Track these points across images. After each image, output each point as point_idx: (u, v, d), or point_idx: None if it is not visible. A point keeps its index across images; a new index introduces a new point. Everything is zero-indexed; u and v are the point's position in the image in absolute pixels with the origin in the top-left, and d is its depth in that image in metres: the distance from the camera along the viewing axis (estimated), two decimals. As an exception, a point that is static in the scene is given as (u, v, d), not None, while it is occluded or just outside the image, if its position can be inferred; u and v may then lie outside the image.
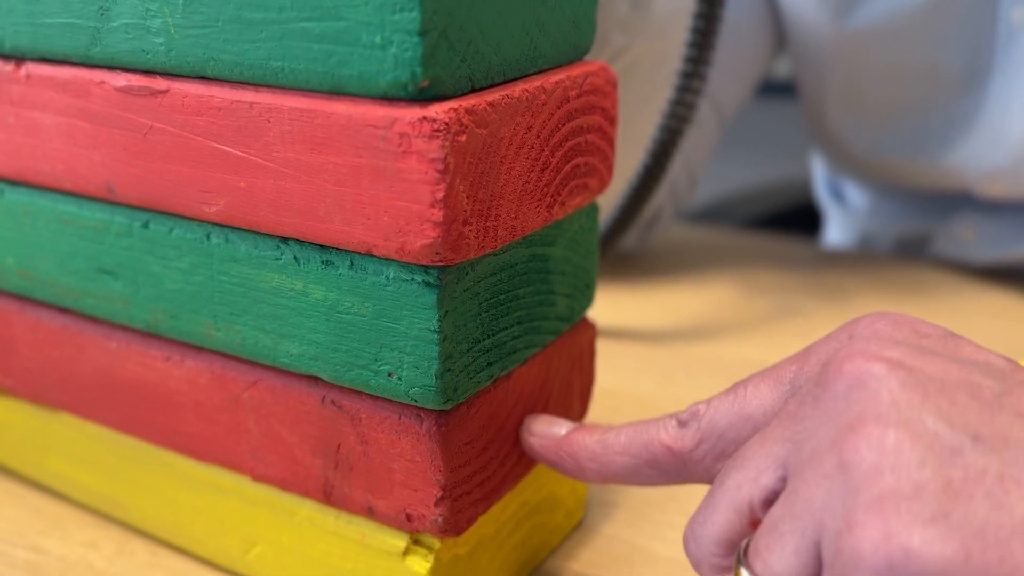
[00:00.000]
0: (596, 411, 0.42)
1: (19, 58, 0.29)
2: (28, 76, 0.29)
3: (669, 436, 0.25)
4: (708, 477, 0.25)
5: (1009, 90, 0.55)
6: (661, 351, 0.49)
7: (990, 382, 0.20)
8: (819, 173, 0.79)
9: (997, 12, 0.54)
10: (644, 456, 0.25)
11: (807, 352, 0.24)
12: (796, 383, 0.23)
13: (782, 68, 0.68)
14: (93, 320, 0.31)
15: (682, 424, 0.25)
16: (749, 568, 0.21)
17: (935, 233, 0.66)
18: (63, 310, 0.32)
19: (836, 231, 0.78)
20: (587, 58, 0.28)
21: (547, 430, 0.28)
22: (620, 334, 0.51)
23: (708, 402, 0.25)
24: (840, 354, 0.21)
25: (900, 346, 0.21)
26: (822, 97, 0.62)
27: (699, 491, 0.36)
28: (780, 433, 0.22)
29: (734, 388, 0.25)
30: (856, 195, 0.74)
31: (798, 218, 0.89)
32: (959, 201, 0.63)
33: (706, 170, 0.65)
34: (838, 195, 0.76)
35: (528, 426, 0.28)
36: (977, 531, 0.18)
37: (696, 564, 0.23)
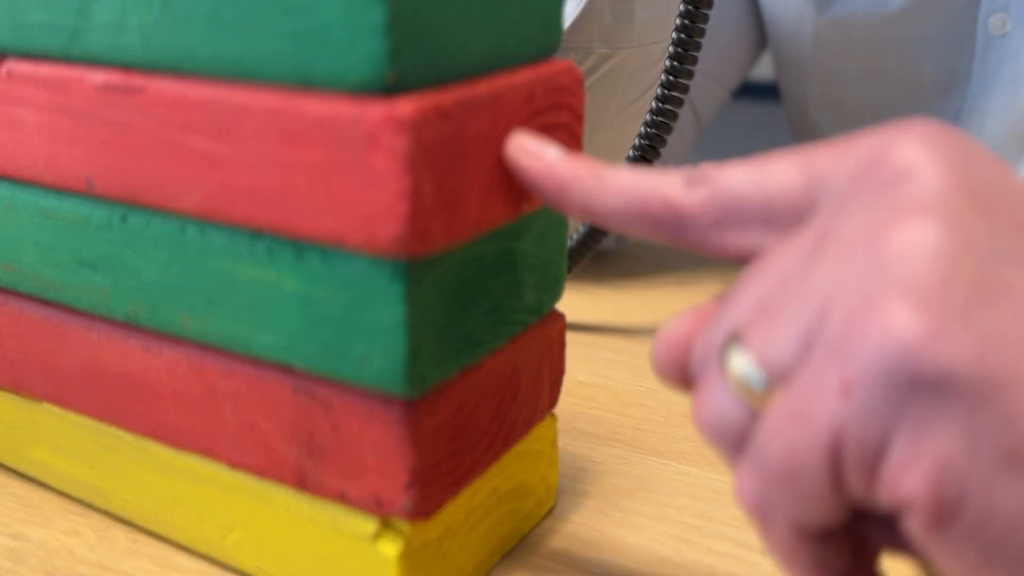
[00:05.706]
0: (569, 402, 0.43)
1: (0, 56, 0.30)
2: (9, 73, 0.29)
3: (673, 192, 0.22)
4: (697, 244, 0.23)
5: (986, 97, 0.56)
6: (637, 346, 0.50)
7: None
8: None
9: (976, 19, 0.54)
10: (638, 203, 0.23)
11: (847, 143, 0.21)
12: (830, 181, 0.21)
13: (765, 70, 0.69)
14: (75, 312, 0.32)
15: (690, 184, 0.22)
16: (746, 350, 0.20)
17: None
18: (45, 302, 0.33)
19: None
20: (568, 66, 0.29)
21: (540, 150, 0.25)
22: (596, 329, 0.52)
23: (721, 167, 0.22)
24: (886, 144, 0.20)
25: (951, 145, 0.20)
26: (804, 98, 0.63)
27: (668, 481, 0.37)
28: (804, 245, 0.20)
29: (755, 161, 0.22)
30: None
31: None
32: None
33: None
34: None
35: (519, 142, 0.26)
36: (996, 338, 0.17)
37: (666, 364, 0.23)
